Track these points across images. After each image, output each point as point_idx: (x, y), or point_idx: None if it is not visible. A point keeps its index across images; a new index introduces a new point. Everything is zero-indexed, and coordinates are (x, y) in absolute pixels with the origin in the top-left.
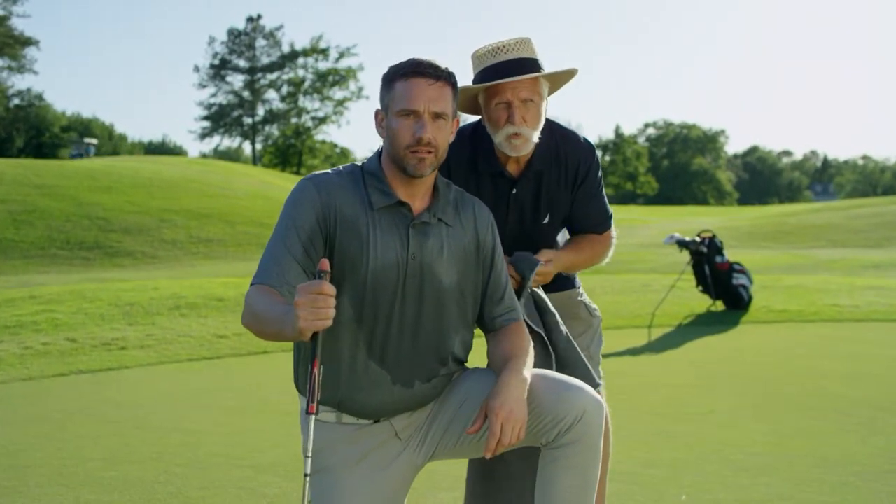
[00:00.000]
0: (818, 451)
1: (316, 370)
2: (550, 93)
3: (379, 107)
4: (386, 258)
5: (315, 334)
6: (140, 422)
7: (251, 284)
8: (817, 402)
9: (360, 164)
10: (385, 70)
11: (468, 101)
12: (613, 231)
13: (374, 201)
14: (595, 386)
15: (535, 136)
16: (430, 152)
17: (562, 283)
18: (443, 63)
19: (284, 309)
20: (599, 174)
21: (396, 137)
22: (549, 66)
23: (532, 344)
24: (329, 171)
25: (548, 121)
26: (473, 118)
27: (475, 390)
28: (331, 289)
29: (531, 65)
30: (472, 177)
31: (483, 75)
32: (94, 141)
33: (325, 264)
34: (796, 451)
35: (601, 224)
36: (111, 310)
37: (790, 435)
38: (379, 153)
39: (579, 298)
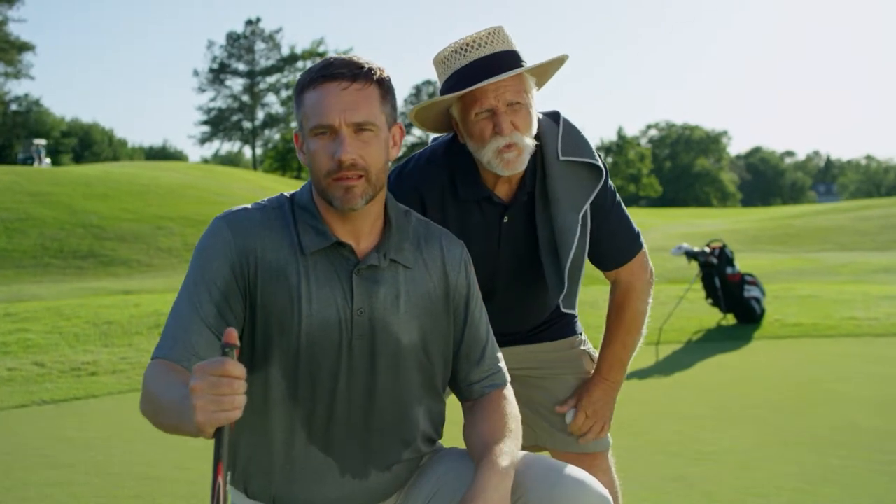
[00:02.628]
0: (852, 499)
1: (220, 479)
2: (538, 87)
3: (296, 128)
4: (324, 315)
5: (219, 430)
6: (95, 465)
7: (152, 358)
8: (845, 437)
9: (289, 195)
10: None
11: (439, 117)
12: (646, 256)
13: (307, 243)
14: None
15: (531, 145)
16: (360, 177)
17: (558, 329)
18: (369, 60)
19: (184, 393)
20: (616, 197)
21: (314, 163)
22: (531, 58)
23: (520, 419)
24: (250, 205)
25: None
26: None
27: (449, 481)
28: (238, 369)
29: (511, 59)
30: (454, 206)
31: (452, 82)
32: (43, 142)
33: (233, 336)
34: (827, 499)
35: (627, 251)
36: (87, 329)
37: (819, 479)
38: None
39: (582, 348)
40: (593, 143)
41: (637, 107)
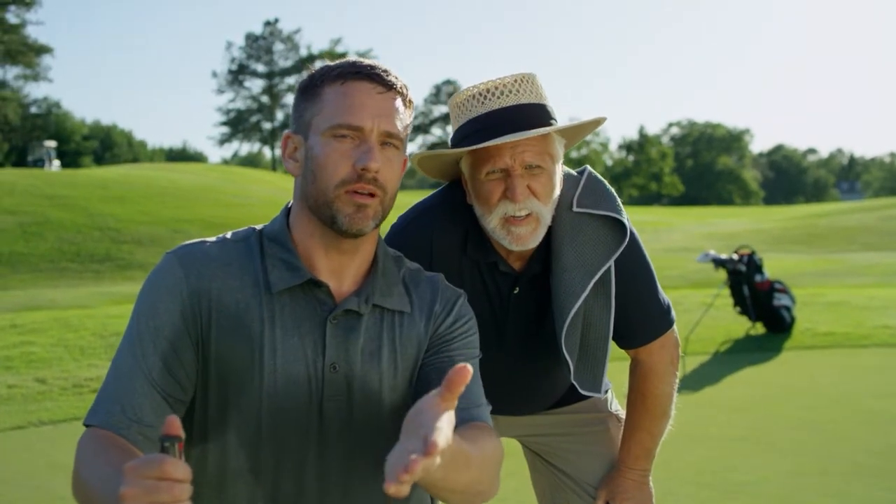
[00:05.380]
0: None
1: None
2: (567, 147)
3: (290, 129)
4: (290, 371)
5: None
6: None
7: (85, 425)
8: (891, 464)
9: (259, 227)
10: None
11: (447, 167)
12: (675, 333)
13: (274, 280)
14: None
15: (548, 217)
16: (373, 196)
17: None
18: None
19: (118, 488)
20: (642, 260)
21: (325, 169)
22: (562, 107)
23: (498, 460)
24: (211, 238)
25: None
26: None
27: None
28: (180, 469)
29: (537, 114)
30: (465, 266)
31: (465, 132)
32: (54, 144)
33: (174, 425)
34: None
35: (654, 328)
36: (94, 341)
37: None
38: (286, 211)
39: (610, 409)
40: (615, 141)
41: (658, 105)
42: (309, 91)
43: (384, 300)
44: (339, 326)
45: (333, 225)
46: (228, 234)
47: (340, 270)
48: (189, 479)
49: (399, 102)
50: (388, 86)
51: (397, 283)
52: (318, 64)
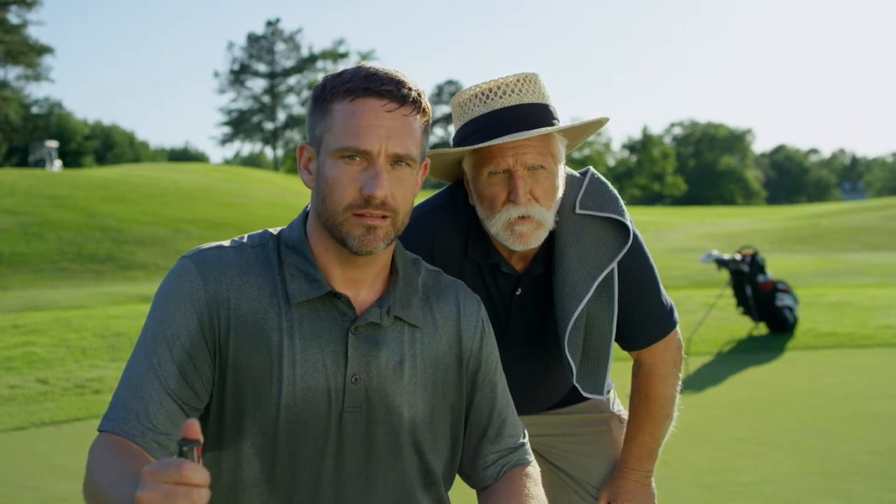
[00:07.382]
0: None
1: None
2: (570, 148)
3: (306, 139)
4: (310, 382)
5: None
6: None
7: (99, 430)
8: (894, 466)
9: (276, 232)
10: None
11: (449, 167)
12: (678, 335)
13: (293, 292)
14: None
15: (551, 220)
16: (384, 217)
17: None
18: (412, 80)
19: (134, 492)
20: (645, 263)
21: (333, 192)
22: (565, 107)
23: (546, 502)
24: (226, 243)
25: None
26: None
27: None
28: (199, 474)
29: (539, 114)
30: (467, 268)
31: (466, 131)
32: (55, 144)
33: (193, 429)
34: None
35: (656, 330)
36: (95, 342)
37: None
38: (304, 215)
39: (613, 409)
40: (618, 141)
41: (661, 105)
42: (320, 103)
43: (404, 312)
44: (361, 338)
45: (344, 245)
46: (245, 238)
47: (357, 281)
48: (207, 483)
49: (411, 116)
50: (400, 100)
51: (416, 291)
52: (339, 67)
